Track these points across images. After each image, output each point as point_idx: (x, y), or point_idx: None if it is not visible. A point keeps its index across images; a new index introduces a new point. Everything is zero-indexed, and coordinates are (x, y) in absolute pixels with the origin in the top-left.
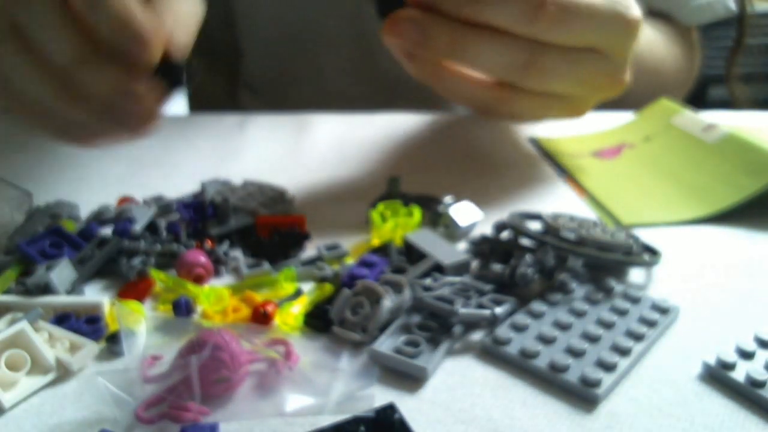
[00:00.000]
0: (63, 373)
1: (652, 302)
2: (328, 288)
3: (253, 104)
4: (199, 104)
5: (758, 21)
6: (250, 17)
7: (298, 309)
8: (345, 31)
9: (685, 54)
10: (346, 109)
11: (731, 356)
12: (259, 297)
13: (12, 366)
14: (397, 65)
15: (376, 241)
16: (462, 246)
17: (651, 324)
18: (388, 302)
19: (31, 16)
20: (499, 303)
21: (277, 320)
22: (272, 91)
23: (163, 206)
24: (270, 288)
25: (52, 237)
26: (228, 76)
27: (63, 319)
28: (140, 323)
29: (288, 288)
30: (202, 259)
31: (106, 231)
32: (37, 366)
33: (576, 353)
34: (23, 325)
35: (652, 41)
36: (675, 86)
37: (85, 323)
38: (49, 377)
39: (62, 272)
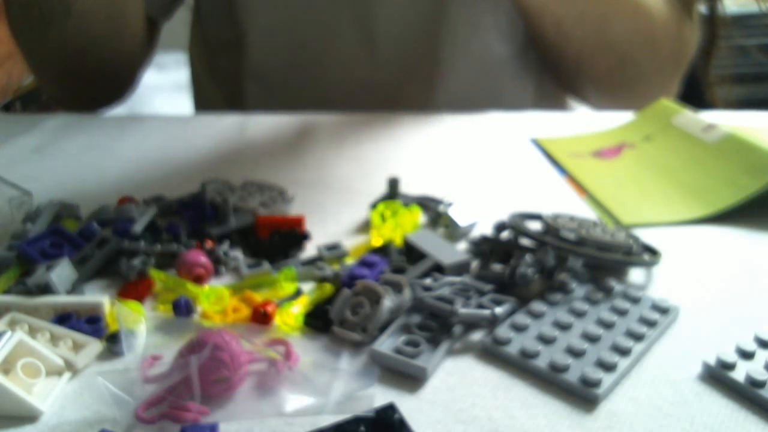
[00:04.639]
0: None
1: (652, 302)
2: (328, 288)
3: (257, 95)
4: (203, 100)
5: (756, 22)
6: (252, 8)
7: (298, 309)
8: (346, 19)
9: (678, 16)
10: (349, 96)
11: (731, 356)
12: (259, 297)
13: (28, 374)
14: (399, 52)
15: (376, 241)
16: (462, 246)
17: (651, 324)
18: (388, 302)
19: None
20: (499, 303)
21: (277, 320)
22: (276, 81)
23: (163, 206)
24: (270, 288)
25: (52, 237)
26: (232, 68)
27: (64, 319)
28: (140, 323)
29: (288, 288)
30: (202, 259)
31: (106, 231)
32: (48, 369)
33: (576, 353)
34: (19, 335)
35: None
36: (664, 42)
37: (85, 323)
38: (66, 376)
39: (62, 272)
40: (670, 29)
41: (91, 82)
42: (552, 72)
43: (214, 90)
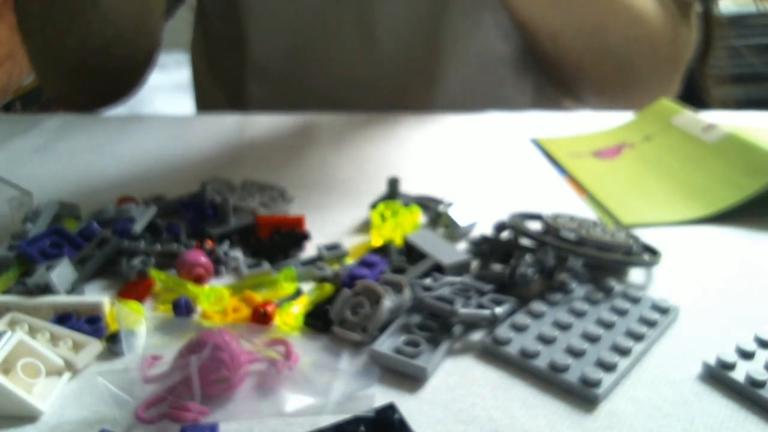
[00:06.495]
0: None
1: (652, 302)
2: (328, 288)
3: (259, 94)
4: (205, 100)
5: (754, 22)
6: (253, 7)
7: (298, 309)
8: (348, 18)
9: (674, 18)
10: (350, 95)
11: (731, 356)
12: (259, 297)
13: (28, 374)
14: (400, 51)
15: (376, 241)
16: (462, 246)
17: (651, 324)
18: (388, 302)
19: None
20: (499, 303)
21: (277, 320)
22: (278, 80)
23: (163, 206)
24: (270, 288)
25: (52, 237)
26: (234, 67)
27: (64, 318)
28: (140, 323)
29: (288, 288)
30: (202, 259)
31: (106, 231)
32: (48, 369)
33: (576, 353)
34: (19, 335)
35: None
36: (662, 45)
37: (85, 323)
38: (66, 376)
39: (62, 272)
40: (667, 32)
41: (106, 78)
42: (550, 78)
43: (216, 90)
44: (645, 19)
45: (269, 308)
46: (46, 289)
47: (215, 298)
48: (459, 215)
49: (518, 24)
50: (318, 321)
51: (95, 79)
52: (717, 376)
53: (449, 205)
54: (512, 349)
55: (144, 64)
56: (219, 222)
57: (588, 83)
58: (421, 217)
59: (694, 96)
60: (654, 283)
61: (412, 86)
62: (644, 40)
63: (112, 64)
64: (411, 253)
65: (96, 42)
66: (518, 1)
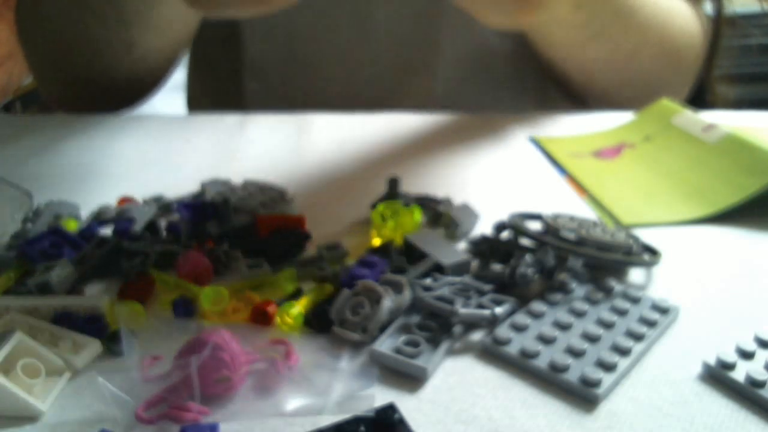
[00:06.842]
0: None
1: (652, 302)
2: (328, 288)
3: (255, 92)
4: (202, 96)
5: (756, 22)
6: None
7: (298, 309)
8: (345, 14)
9: (694, 16)
10: (347, 91)
11: (731, 356)
12: (259, 297)
13: (28, 374)
14: (396, 46)
15: (376, 241)
16: (462, 246)
17: (651, 324)
18: (388, 302)
19: None
20: (499, 303)
21: (277, 320)
22: (274, 77)
23: (163, 206)
24: (270, 288)
25: (52, 237)
26: (231, 65)
27: (63, 318)
28: (140, 323)
29: (288, 288)
30: (202, 259)
31: (106, 231)
32: (48, 369)
33: (576, 353)
34: (19, 336)
35: None
36: (689, 54)
37: (85, 323)
38: (66, 376)
39: (62, 272)
40: (694, 38)
41: (113, 92)
42: (565, 91)
43: (210, 88)
44: (673, 33)
45: (269, 308)
46: (46, 289)
47: (215, 298)
48: (459, 215)
49: (545, 60)
50: (318, 321)
51: (101, 92)
52: (717, 376)
53: (449, 205)
54: (512, 349)
55: (159, 81)
56: (219, 222)
57: (609, 100)
58: (421, 217)
59: (695, 96)
60: (654, 283)
61: (409, 84)
62: (673, 55)
63: (123, 84)
64: (411, 253)
65: (132, 77)
66: (550, 40)
